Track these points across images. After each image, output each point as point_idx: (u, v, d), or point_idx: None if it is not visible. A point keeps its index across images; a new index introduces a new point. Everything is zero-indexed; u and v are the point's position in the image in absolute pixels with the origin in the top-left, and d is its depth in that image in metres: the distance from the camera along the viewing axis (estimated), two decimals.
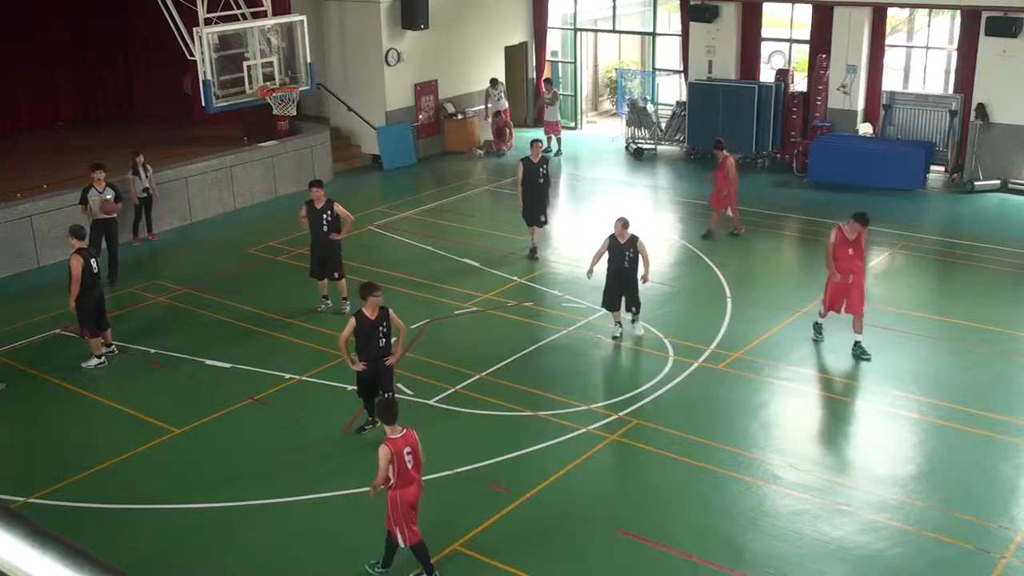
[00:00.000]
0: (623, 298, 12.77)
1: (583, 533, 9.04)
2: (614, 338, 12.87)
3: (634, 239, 12.60)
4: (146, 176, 16.92)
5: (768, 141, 21.45)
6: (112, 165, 16.59)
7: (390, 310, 10.18)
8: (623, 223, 12.62)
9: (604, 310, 13.08)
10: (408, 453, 7.96)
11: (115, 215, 15.29)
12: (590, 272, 13.07)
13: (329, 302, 14.14)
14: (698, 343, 12.80)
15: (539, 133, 23.98)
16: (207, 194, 18.75)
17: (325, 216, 13.57)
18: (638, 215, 18.64)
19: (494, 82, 23.49)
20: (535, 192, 15.78)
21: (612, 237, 12.65)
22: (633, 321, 12.91)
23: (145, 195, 17.04)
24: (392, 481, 7.92)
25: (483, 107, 23.69)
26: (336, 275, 13.89)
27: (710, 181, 17.42)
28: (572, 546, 8.88)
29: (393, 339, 10.29)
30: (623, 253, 12.57)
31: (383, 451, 7.89)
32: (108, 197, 14.99)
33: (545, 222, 16.16)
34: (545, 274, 15.53)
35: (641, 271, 12.68)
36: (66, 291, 12.42)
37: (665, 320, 13.57)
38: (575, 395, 11.60)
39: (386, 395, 10.10)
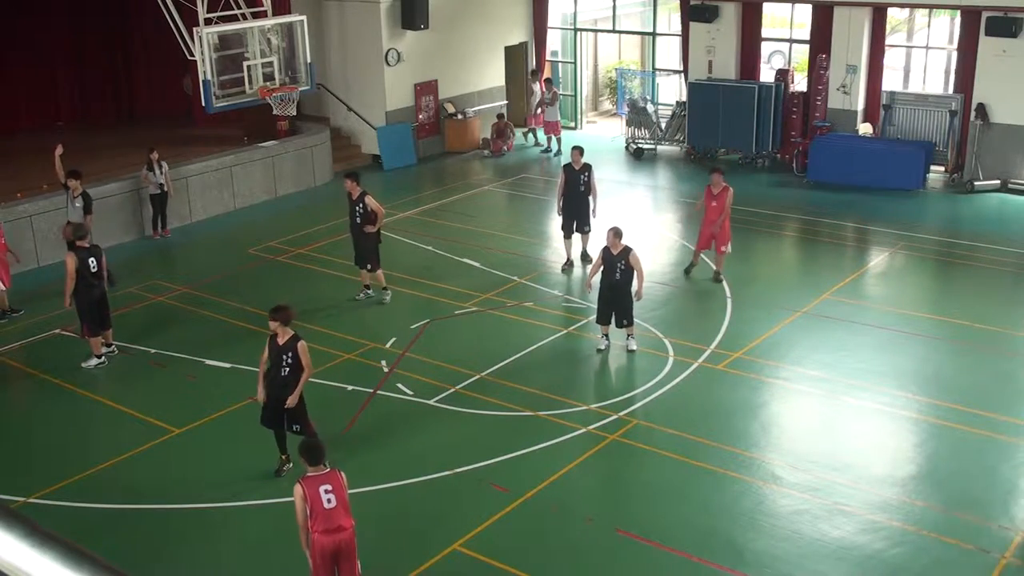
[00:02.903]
0: (613, 313, 12.40)
1: (583, 533, 9.04)
2: (598, 351, 12.61)
3: (627, 250, 12.19)
4: (161, 172, 17.04)
5: (768, 141, 21.44)
6: (112, 165, 16.64)
7: (300, 344, 9.45)
8: (615, 233, 12.22)
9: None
10: (327, 491, 7.35)
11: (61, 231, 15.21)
12: (588, 285, 12.91)
13: (370, 292, 14.39)
14: (698, 343, 12.80)
15: (539, 133, 24.04)
16: (207, 194, 18.75)
17: (358, 208, 13.87)
18: (638, 215, 18.69)
19: (534, 74, 23.85)
20: (576, 200, 15.25)
21: (605, 248, 12.31)
22: (628, 335, 12.52)
23: (159, 191, 17.14)
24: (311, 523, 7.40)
25: (532, 102, 23.96)
26: (369, 267, 14.10)
27: (700, 210, 15.16)
28: (572, 546, 8.88)
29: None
30: (615, 264, 12.20)
31: (295, 489, 7.44)
32: (77, 205, 14.99)
33: (589, 230, 15.48)
34: (545, 274, 15.53)
35: (634, 286, 12.27)
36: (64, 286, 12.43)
37: (665, 320, 13.57)
38: (575, 395, 11.60)
39: (294, 428, 9.69)
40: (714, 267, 15.01)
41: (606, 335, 12.61)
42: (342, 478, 7.52)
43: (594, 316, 12.77)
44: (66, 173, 15.08)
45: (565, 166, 15.52)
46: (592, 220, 15.39)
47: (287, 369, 9.50)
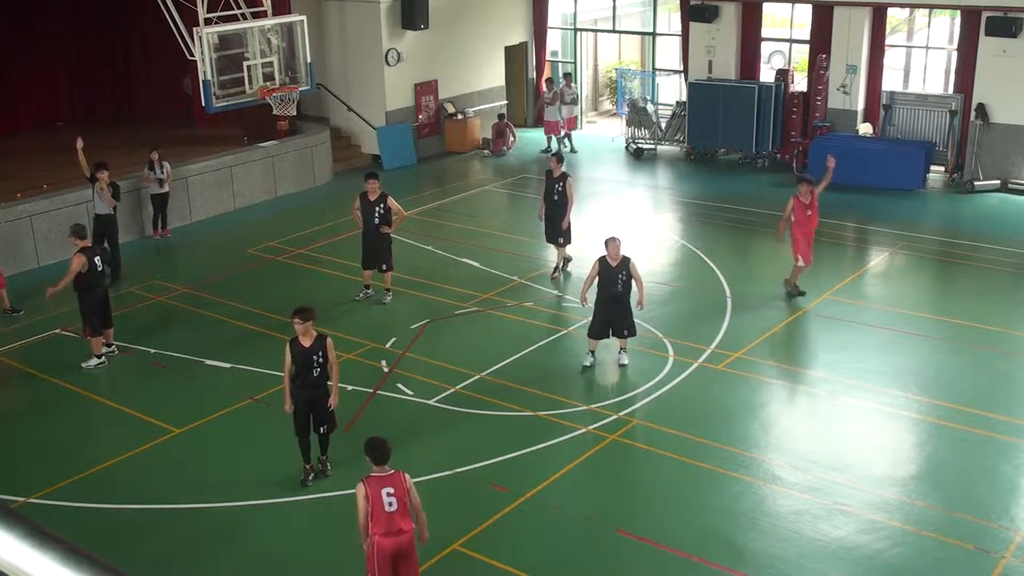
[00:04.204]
0: (611, 327, 12.00)
1: (583, 533, 9.04)
2: (584, 367, 12.15)
3: (626, 261, 11.83)
4: (162, 171, 17.07)
5: (768, 141, 21.44)
6: (112, 165, 16.52)
7: (328, 340, 9.50)
8: (616, 244, 11.83)
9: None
10: (389, 494, 7.24)
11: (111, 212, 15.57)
12: (584, 299, 12.26)
13: (370, 291, 14.45)
14: (698, 343, 12.80)
15: (539, 133, 24.06)
16: (207, 194, 18.76)
17: (378, 209, 13.92)
18: (638, 215, 18.70)
19: (568, 77, 23.49)
20: (551, 208, 14.94)
21: (603, 260, 11.86)
22: (621, 349, 12.21)
23: (159, 192, 17.18)
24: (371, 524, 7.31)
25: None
26: (384, 267, 14.18)
27: (787, 224, 14.12)
28: (572, 546, 8.88)
29: (329, 381, 9.59)
30: (616, 276, 11.79)
31: (358, 487, 7.35)
32: (109, 194, 15.32)
33: (562, 243, 15.03)
34: (545, 274, 15.51)
35: (636, 296, 11.92)
36: (67, 288, 12.42)
37: (665, 320, 13.56)
38: (575, 395, 11.60)
39: (321, 429, 9.69)
40: (790, 279, 14.16)
41: (592, 352, 12.19)
42: (406, 481, 7.38)
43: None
44: (93, 165, 15.22)
45: (546, 172, 15.24)
46: (568, 230, 14.98)
47: (318, 370, 9.47)
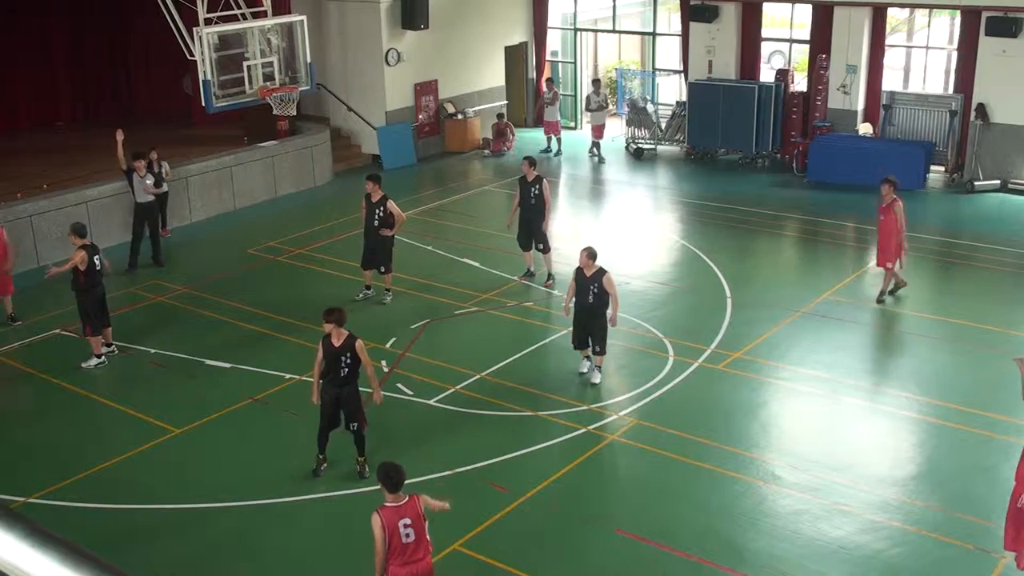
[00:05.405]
0: (589, 336, 11.72)
1: (583, 533, 9.04)
2: (580, 374, 11.93)
3: (600, 272, 11.42)
4: (161, 170, 17.07)
5: (768, 141, 21.45)
6: (111, 165, 16.56)
7: (358, 342, 9.49)
8: (588, 253, 11.45)
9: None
10: (406, 526, 7.01)
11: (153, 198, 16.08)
12: (567, 309, 12.02)
13: (370, 291, 14.47)
14: (698, 343, 12.79)
15: (539, 133, 24.05)
16: (207, 194, 18.75)
17: (378, 211, 13.98)
18: (638, 215, 18.70)
19: (596, 83, 23.21)
20: (528, 213, 14.65)
21: (579, 269, 11.57)
22: (594, 367, 11.80)
23: (159, 191, 17.21)
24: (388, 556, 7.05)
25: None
26: (383, 269, 14.22)
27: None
28: (572, 546, 8.88)
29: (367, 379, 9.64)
30: (588, 287, 11.43)
31: (374, 519, 7.01)
32: (149, 182, 15.72)
33: (543, 249, 14.81)
34: (545, 274, 15.50)
35: (609, 311, 11.49)
36: (67, 285, 12.41)
37: (665, 320, 13.56)
38: (575, 395, 11.60)
39: (351, 426, 9.74)
40: (888, 285, 13.97)
41: (588, 357, 12.01)
42: (420, 506, 7.18)
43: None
44: (131, 155, 15.63)
45: (519, 179, 14.94)
46: (548, 236, 14.82)
47: (346, 369, 9.55)
